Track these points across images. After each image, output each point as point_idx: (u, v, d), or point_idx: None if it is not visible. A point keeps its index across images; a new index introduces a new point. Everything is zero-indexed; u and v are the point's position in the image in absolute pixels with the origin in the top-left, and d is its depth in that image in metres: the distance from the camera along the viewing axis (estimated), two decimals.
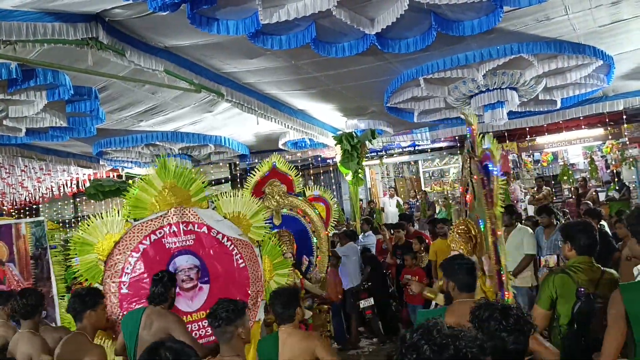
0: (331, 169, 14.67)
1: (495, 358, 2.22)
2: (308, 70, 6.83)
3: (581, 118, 10.53)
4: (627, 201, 11.15)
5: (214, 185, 14.99)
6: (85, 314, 3.57)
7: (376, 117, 9.85)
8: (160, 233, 4.64)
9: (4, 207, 13.06)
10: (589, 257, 3.51)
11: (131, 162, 11.09)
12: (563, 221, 6.89)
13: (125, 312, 4.37)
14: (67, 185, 12.28)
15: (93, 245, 4.55)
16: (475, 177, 3.93)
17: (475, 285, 3.40)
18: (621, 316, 2.67)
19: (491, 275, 3.63)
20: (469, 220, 4.35)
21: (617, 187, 11.36)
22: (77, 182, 12.20)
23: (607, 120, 11.55)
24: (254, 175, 6.42)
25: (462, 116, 4.70)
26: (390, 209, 13.85)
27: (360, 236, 9.43)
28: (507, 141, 13.41)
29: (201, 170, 13.49)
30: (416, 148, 14.66)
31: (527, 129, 11.41)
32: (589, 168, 12.94)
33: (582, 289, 3.31)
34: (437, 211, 13.54)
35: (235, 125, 9.64)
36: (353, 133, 10.10)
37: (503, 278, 3.49)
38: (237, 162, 13.90)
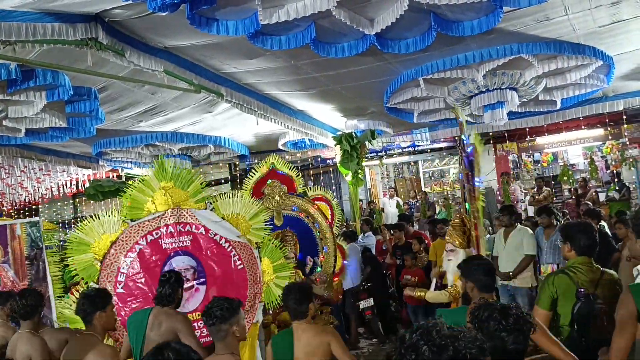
0: (331, 169, 14.67)
1: (495, 358, 2.22)
2: (308, 71, 6.83)
3: (581, 118, 10.52)
4: (627, 201, 11.15)
5: (214, 186, 14.99)
6: (95, 315, 3.52)
7: (376, 118, 9.84)
8: (157, 233, 4.66)
9: (4, 208, 13.06)
10: (589, 258, 3.51)
11: (131, 162, 11.09)
12: (563, 222, 6.89)
13: (121, 312, 4.37)
14: (66, 186, 12.26)
15: (89, 245, 4.57)
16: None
17: (494, 285, 3.41)
18: (632, 316, 2.66)
19: None
20: (464, 214, 4.38)
21: (617, 188, 11.36)
22: (77, 183, 12.18)
23: (607, 120, 11.55)
24: (253, 176, 6.39)
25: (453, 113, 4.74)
26: (390, 210, 13.84)
27: (360, 237, 9.43)
28: (507, 141, 13.41)
29: (201, 170, 13.55)
30: (416, 148, 14.64)
31: (527, 129, 11.40)
32: (589, 168, 12.94)
33: (582, 290, 3.31)
34: (437, 211, 13.54)
35: (235, 126, 9.64)
36: (353, 133, 10.10)
37: None
38: (237, 163, 13.89)
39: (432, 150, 14.69)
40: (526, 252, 6.45)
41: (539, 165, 15.38)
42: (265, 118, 7.98)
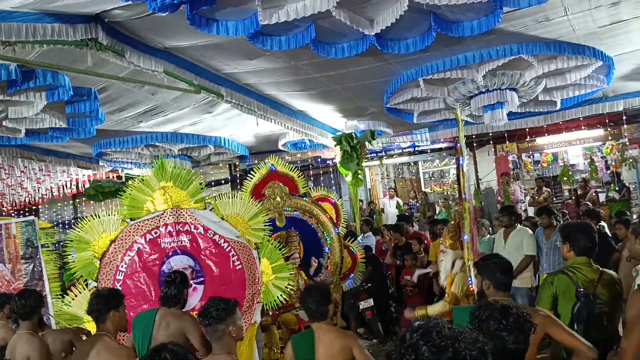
0: (331, 169, 14.66)
1: (495, 358, 2.22)
2: (307, 71, 6.83)
3: (581, 119, 10.52)
4: (627, 202, 11.15)
5: (214, 186, 14.99)
6: (109, 315, 3.50)
7: (376, 118, 9.84)
8: (155, 233, 4.68)
9: (4, 208, 13.06)
10: (588, 258, 3.52)
11: (131, 163, 11.09)
12: (563, 222, 6.89)
13: None
14: (66, 186, 12.26)
15: (89, 243, 4.60)
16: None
17: (511, 284, 3.41)
18: None
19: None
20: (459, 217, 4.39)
21: (617, 188, 11.35)
22: (77, 183, 12.18)
23: (607, 121, 11.54)
24: (252, 177, 6.36)
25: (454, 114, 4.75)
26: (390, 210, 13.84)
27: (359, 237, 9.42)
28: (507, 142, 13.40)
29: (201, 171, 13.55)
30: (416, 149, 14.64)
31: (527, 129, 11.39)
32: (589, 169, 12.94)
33: (582, 290, 3.32)
34: (437, 212, 13.54)
35: (235, 126, 9.64)
36: (353, 134, 10.09)
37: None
38: (237, 163, 13.88)
39: (432, 150, 14.68)
40: (526, 252, 6.44)
41: (539, 165, 15.38)
42: (265, 118, 7.98)
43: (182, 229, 4.70)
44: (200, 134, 9.77)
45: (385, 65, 6.76)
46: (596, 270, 3.49)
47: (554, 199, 12.82)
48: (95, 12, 4.61)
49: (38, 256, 5.52)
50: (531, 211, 11.37)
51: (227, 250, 4.72)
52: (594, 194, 11.75)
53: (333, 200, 7.01)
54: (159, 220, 4.69)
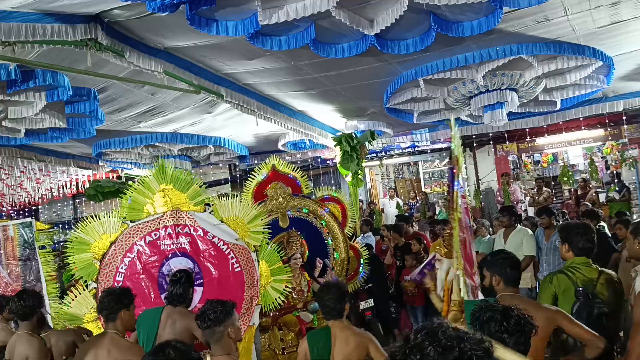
0: (331, 170, 14.66)
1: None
2: (307, 71, 6.83)
3: (581, 119, 10.53)
4: (627, 202, 11.15)
5: (214, 187, 14.98)
6: (120, 313, 3.49)
7: (376, 118, 9.84)
8: (155, 235, 4.70)
9: (3, 209, 13.05)
10: (587, 258, 3.53)
11: (131, 163, 11.09)
12: (562, 222, 6.89)
13: None
14: (66, 187, 12.27)
15: (89, 244, 4.61)
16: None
17: (520, 279, 3.41)
18: None
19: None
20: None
21: (617, 188, 11.35)
22: (77, 183, 12.19)
23: (607, 121, 11.55)
24: (254, 178, 6.32)
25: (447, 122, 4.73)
26: (391, 210, 13.83)
27: (359, 237, 9.40)
28: (507, 142, 13.40)
29: (201, 171, 13.55)
30: (416, 149, 14.64)
31: (527, 129, 11.41)
32: (589, 169, 12.94)
33: (581, 289, 3.33)
34: (437, 212, 13.53)
35: (235, 127, 9.64)
36: (353, 134, 10.09)
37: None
38: (237, 163, 13.89)
39: (432, 150, 14.68)
40: (526, 252, 6.44)
41: (539, 165, 15.38)
42: (265, 119, 7.98)
43: (181, 231, 4.72)
44: (200, 134, 9.77)
45: (385, 66, 6.75)
46: (595, 270, 3.50)
47: (554, 199, 12.82)
48: (94, 12, 4.61)
49: (35, 258, 5.52)
50: (531, 211, 11.36)
51: (226, 252, 4.74)
52: (594, 194, 11.75)
53: (340, 201, 6.84)
54: (159, 223, 4.71)
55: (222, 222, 4.78)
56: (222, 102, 7.13)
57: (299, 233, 6.11)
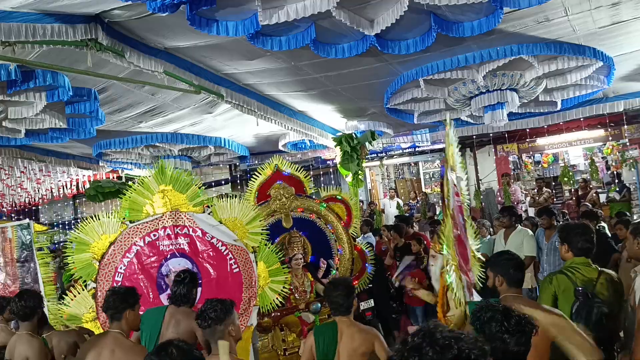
0: (331, 170, 14.66)
1: (498, 359, 2.22)
2: (308, 72, 6.82)
3: (581, 119, 10.53)
4: (627, 202, 11.14)
5: (214, 187, 14.99)
6: (125, 313, 3.47)
7: (376, 119, 9.84)
8: (154, 235, 4.73)
9: (4, 209, 13.06)
10: (586, 258, 3.54)
11: (131, 163, 11.09)
12: (562, 222, 6.88)
13: None
14: (66, 187, 12.27)
15: (89, 244, 4.63)
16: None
17: (523, 280, 3.41)
18: None
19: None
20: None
21: (617, 189, 11.34)
22: (77, 184, 12.19)
23: (607, 121, 11.55)
24: (256, 179, 6.29)
25: (444, 122, 4.73)
26: (391, 211, 13.82)
27: (359, 238, 9.39)
28: (508, 142, 13.40)
29: (201, 171, 13.54)
30: (416, 149, 14.64)
31: (528, 130, 11.41)
32: (590, 169, 12.93)
33: (580, 289, 3.34)
34: (437, 212, 13.52)
35: (235, 127, 9.64)
36: (353, 134, 10.09)
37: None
38: (237, 164, 13.89)
39: (433, 151, 14.67)
40: (526, 253, 6.43)
41: (540, 166, 15.38)
42: (265, 119, 7.98)
43: (180, 232, 4.75)
44: (201, 135, 9.77)
45: (385, 66, 6.75)
46: (595, 270, 3.51)
47: (555, 199, 12.81)
48: (95, 12, 4.61)
49: (33, 259, 5.54)
50: (532, 212, 11.36)
51: (225, 253, 4.77)
52: (594, 195, 11.75)
53: (345, 201, 6.74)
54: (158, 223, 4.74)
55: (221, 223, 4.80)
56: (223, 102, 7.13)
57: (301, 233, 6.08)
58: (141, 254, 4.69)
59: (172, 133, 9.39)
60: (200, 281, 4.69)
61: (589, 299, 3.29)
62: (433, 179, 16.90)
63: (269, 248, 5.02)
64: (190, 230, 4.75)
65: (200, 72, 6.22)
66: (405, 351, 1.53)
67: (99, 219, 4.72)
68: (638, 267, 3.59)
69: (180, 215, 4.75)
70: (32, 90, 5.89)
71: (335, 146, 10.37)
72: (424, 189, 15.83)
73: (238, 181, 15.21)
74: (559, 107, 8.80)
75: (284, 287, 4.99)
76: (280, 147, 11.51)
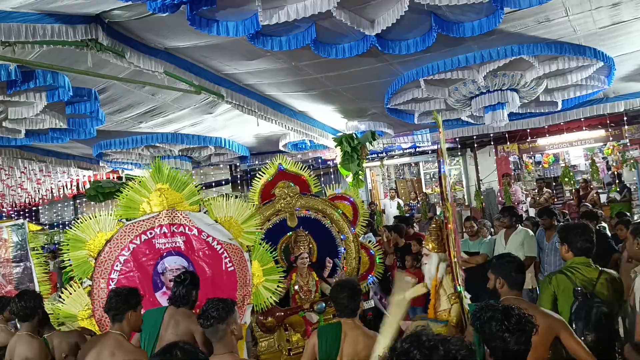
0: (332, 170, 14.66)
1: (497, 359, 2.22)
2: (308, 72, 6.82)
3: (582, 120, 10.52)
4: (628, 203, 11.14)
5: (215, 187, 14.99)
6: (127, 314, 3.47)
7: (376, 119, 9.84)
8: (150, 233, 4.76)
9: (4, 209, 13.06)
10: (586, 258, 3.55)
11: (131, 163, 11.09)
12: (563, 222, 6.88)
13: None
14: (67, 187, 12.27)
15: (85, 242, 4.64)
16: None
17: (524, 282, 3.42)
18: None
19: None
20: (442, 219, 4.40)
21: (618, 189, 11.35)
22: (77, 184, 12.20)
23: (608, 122, 11.55)
24: (260, 178, 6.25)
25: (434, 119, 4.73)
26: (391, 211, 13.83)
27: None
28: (508, 142, 13.40)
29: (201, 171, 13.55)
30: (417, 149, 14.64)
31: (528, 130, 11.40)
32: (590, 170, 12.94)
33: (580, 289, 3.35)
34: (437, 213, 13.52)
35: (236, 127, 9.64)
36: (353, 134, 10.08)
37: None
38: (238, 164, 13.88)
39: (433, 151, 14.67)
40: (527, 253, 6.43)
41: (540, 166, 15.38)
42: (265, 119, 7.98)
43: (176, 231, 4.78)
44: (201, 135, 9.77)
45: (386, 66, 6.75)
46: (595, 270, 3.52)
47: (555, 199, 12.81)
48: (95, 12, 4.61)
49: (28, 259, 5.55)
50: (532, 212, 11.36)
51: (220, 252, 4.80)
52: (595, 195, 11.75)
53: (351, 199, 6.71)
54: (155, 222, 4.77)
55: (217, 222, 4.82)
56: (223, 102, 7.13)
57: (306, 232, 6.05)
58: (137, 251, 4.71)
59: (173, 133, 9.39)
60: None
61: (588, 299, 3.30)
62: (434, 179, 16.89)
63: (263, 247, 5.04)
64: (187, 228, 4.78)
65: (201, 72, 6.22)
66: (394, 356, 1.56)
67: (96, 217, 4.75)
68: (638, 267, 3.59)
69: (176, 214, 4.77)
70: (32, 91, 5.88)
71: (336, 146, 10.37)
72: (424, 190, 15.83)
73: (238, 181, 15.22)
74: (559, 107, 8.80)
75: (277, 286, 5.01)
76: (281, 148, 11.51)
